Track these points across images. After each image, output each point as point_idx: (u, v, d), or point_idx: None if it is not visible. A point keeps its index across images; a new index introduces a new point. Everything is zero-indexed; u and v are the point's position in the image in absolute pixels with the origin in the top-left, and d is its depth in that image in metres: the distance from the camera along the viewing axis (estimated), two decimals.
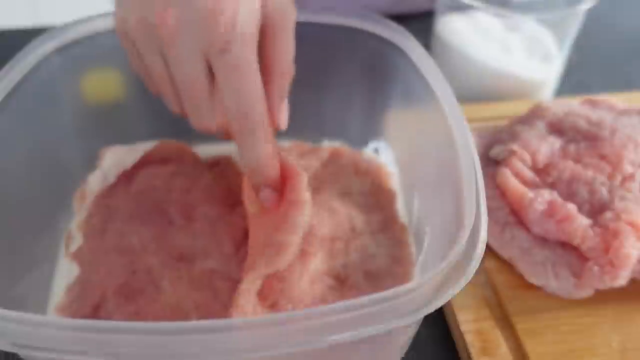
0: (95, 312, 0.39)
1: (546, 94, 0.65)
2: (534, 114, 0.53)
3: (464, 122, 0.37)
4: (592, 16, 0.61)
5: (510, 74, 0.62)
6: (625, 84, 0.70)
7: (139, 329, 0.26)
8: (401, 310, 0.28)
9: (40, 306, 0.41)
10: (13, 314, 0.26)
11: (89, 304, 0.39)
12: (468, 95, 0.63)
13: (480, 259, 0.30)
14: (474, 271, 0.29)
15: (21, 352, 0.27)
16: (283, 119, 0.41)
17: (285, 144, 0.52)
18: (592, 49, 0.75)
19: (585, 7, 0.58)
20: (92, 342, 0.26)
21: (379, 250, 0.43)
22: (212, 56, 0.36)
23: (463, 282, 0.29)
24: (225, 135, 0.40)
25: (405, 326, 0.34)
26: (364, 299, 0.27)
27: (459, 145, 0.36)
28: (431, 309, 0.28)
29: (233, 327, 0.27)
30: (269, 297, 0.37)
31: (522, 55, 0.63)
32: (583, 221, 0.42)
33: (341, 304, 0.27)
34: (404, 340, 0.38)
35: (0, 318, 0.26)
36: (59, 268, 0.44)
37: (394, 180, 0.49)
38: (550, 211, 0.43)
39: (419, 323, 0.37)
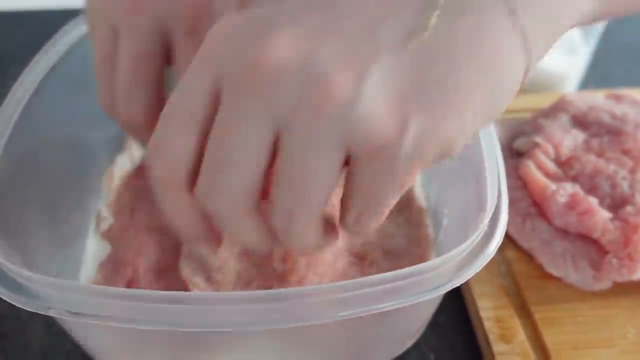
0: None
1: (570, 87, 0.65)
2: (558, 107, 0.53)
3: None
4: None
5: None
6: None
7: (186, 298, 0.27)
8: (424, 286, 0.29)
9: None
10: (69, 282, 0.28)
11: (122, 280, 0.41)
12: None
13: (501, 239, 0.30)
14: (494, 251, 0.30)
15: (73, 319, 0.28)
16: None
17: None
18: (618, 42, 0.75)
19: None
20: (142, 310, 0.27)
21: (398, 230, 0.44)
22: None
23: (483, 261, 0.29)
24: None
25: (425, 304, 0.35)
26: (388, 274, 0.28)
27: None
28: (453, 286, 0.29)
29: (260, 298, 0.27)
30: (295, 270, 0.39)
31: None
32: (604, 215, 0.43)
33: (365, 279, 0.28)
34: (423, 318, 0.39)
35: (57, 287, 0.28)
36: (90, 246, 0.45)
37: None
38: (572, 204, 0.43)
39: (437, 303, 0.38)
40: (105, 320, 0.28)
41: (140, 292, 0.28)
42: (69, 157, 0.45)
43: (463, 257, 0.30)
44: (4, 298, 0.28)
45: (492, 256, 0.30)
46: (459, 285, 0.29)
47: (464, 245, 0.29)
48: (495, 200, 0.32)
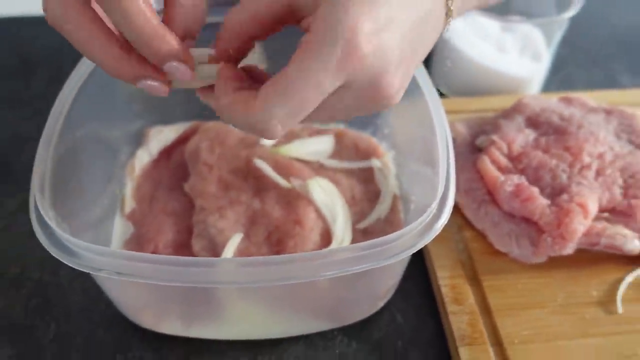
0: None
1: (534, 89, 0.72)
2: (515, 109, 0.61)
3: (442, 111, 0.46)
4: (584, 14, 0.66)
5: (503, 72, 0.69)
6: (608, 81, 0.78)
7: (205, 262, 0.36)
8: (386, 254, 0.37)
9: None
10: (115, 250, 0.38)
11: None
12: (464, 89, 0.71)
13: (447, 219, 0.39)
14: (441, 228, 0.39)
15: (115, 278, 0.36)
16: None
17: (297, 125, 0.61)
18: (580, 46, 0.82)
19: (569, 14, 0.65)
20: (165, 271, 0.36)
21: (374, 214, 0.53)
22: None
23: (431, 236, 0.38)
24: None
25: (390, 268, 0.44)
26: (358, 244, 0.37)
27: (437, 131, 0.44)
28: (406, 254, 0.38)
29: (255, 263, 0.36)
30: (286, 249, 0.48)
31: (515, 53, 0.70)
32: (542, 201, 0.51)
33: (345, 246, 0.37)
34: (390, 282, 0.48)
35: (106, 254, 0.36)
36: (116, 226, 0.54)
37: (388, 158, 0.59)
38: (517, 192, 0.52)
39: (402, 269, 0.47)
40: (138, 278, 0.36)
41: (164, 257, 0.36)
42: (98, 152, 0.54)
43: (416, 232, 0.38)
44: (69, 264, 0.36)
45: (439, 232, 0.39)
46: (411, 255, 0.38)
47: (415, 223, 0.38)
48: (443, 188, 0.40)
